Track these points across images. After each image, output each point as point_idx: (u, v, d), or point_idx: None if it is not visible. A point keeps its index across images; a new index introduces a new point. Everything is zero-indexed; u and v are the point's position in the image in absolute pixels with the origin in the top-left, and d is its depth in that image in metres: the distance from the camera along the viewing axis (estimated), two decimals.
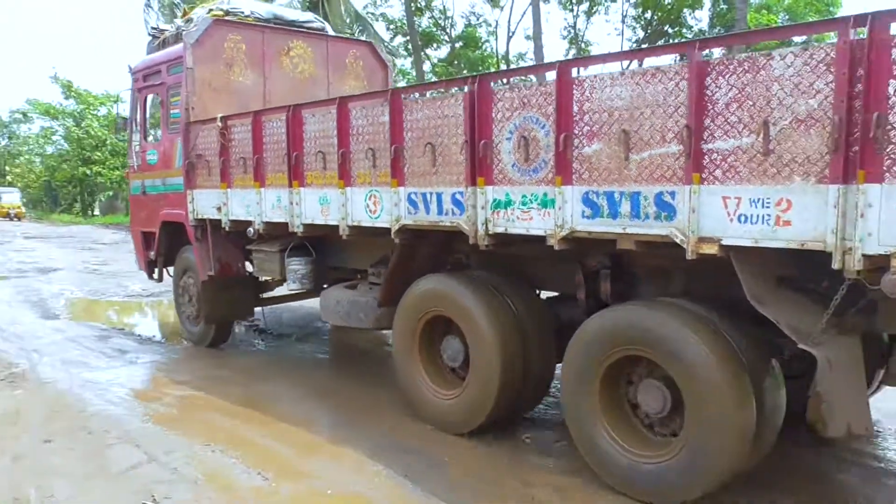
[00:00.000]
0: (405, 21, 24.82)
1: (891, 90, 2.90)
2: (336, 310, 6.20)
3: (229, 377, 6.69)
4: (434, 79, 23.66)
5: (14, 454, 4.78)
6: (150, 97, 8.44)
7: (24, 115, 49.66)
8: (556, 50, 25.30)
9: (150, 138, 8.57)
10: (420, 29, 24.83)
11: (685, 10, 26.40)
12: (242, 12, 8.05)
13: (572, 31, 24.96)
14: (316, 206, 5.81)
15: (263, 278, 7.79)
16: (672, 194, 3.59)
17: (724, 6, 24.79)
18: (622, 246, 3.86)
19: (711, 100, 3.42)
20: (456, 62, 24.79)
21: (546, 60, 16.16)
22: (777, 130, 3.22)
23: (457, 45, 25.51)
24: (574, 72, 4.04)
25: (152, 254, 8.50)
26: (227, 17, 7.85)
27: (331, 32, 9.14)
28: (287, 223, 6.11)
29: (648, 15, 27.59)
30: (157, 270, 8.67)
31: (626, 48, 22.35)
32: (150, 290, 11.99)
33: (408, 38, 24.34)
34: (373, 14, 26.27)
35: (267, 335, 8.82)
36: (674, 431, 3.96)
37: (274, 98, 7.92)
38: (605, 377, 4.09)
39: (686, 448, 3.76)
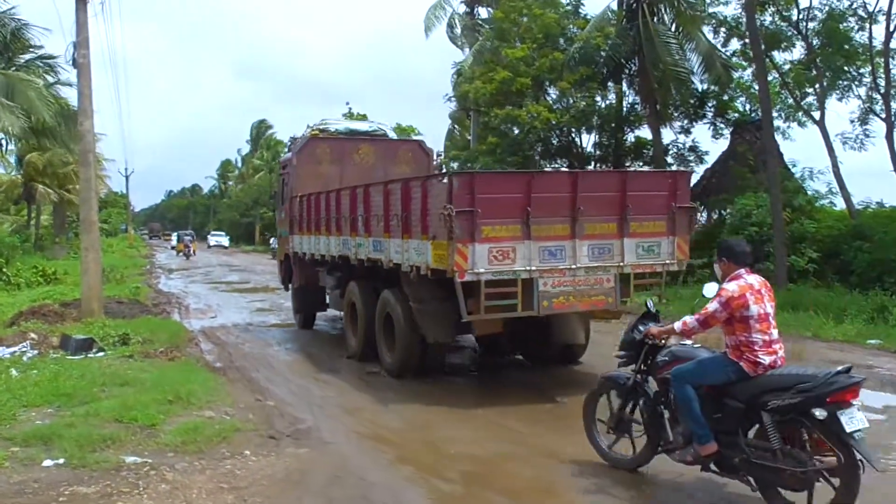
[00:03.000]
0: (740, 20, 19.49)
1: (411, 205, 7.46)
2: (332, 300, 11.59)
3: (514, 453, 6.23)
4: (786, 91, 20.05)
5: None
6: (284, 178, 14.51)
7: None
8: None
9: (283, 203, 14.61)
10: (763, 28, 18.83)
11: None
12: (330, 129, 13.77)
13: None
14: (322, 245, 11.18)
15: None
16: (384, 242, 8.34)
17: None
18: (379, 263, 8.64)
19: (390, 203, 8.14)
20: (816, 64, 18.82)
21: None
22: (401, 217, 7.86)
23: (814, 43, 19.12)
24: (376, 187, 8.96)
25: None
26: (320, 134, 13.59)
27: (392, 136, 14.56)
28: (313, 253, 11.58)
29: None
30: (285, 283, 14.74)
31: None
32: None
33: (745, 41, 19.20)
34: (699, 14, 20.69)
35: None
36: None
37: (346, 181, 13.20)
38: (383, 321, 8.93)
39: (395, 349, 8.55)
